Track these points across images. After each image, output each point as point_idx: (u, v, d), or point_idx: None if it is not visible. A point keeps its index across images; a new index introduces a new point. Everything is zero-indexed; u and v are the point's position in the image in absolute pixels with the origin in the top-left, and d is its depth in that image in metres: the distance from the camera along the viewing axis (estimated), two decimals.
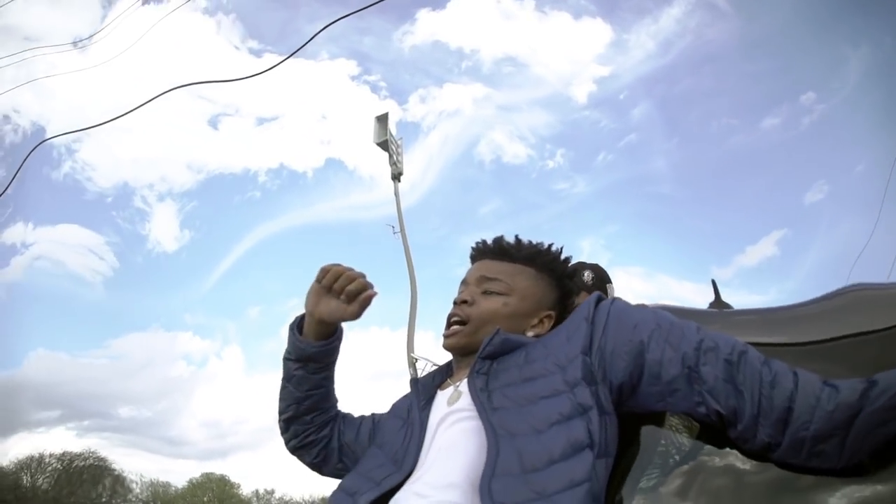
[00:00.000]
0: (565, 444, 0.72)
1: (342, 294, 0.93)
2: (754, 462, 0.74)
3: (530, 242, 1.01)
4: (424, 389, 0.97)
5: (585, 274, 1.55)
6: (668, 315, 0.81)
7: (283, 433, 1.11)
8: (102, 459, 25.43)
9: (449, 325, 0.95)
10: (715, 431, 0.77)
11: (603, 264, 1.72)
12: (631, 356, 0.78)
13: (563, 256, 1.02)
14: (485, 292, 0.94)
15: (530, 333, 0.94)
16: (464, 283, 0.99)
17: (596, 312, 0.84)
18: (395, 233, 9.76)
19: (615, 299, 0.87)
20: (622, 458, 0.82)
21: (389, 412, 1.06)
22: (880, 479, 0.68)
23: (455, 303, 0.96)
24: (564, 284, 1.01)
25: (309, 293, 0.97)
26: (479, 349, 0.89)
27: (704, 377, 0.74)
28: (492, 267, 0.97)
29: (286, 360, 1.04)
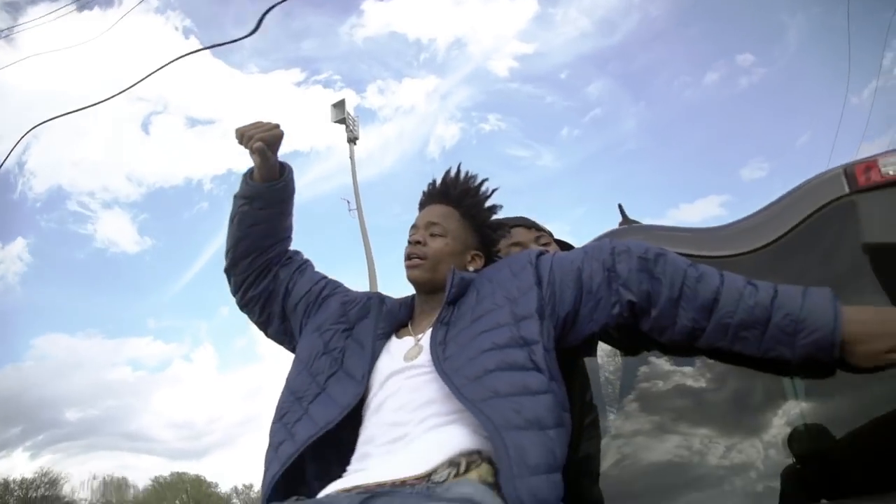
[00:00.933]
0: (499, 362, 0.81)
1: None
2: (705, 381, 0.84)
3: (465, 179, 1.09)
4: (388, 318, 1.02)
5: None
6: (590, 243, 0.94)
7: (230, 288, 1.13)
8: (53, 483, 25.24)
9: (409, 259, 1.03)
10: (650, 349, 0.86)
11: None
12: (573, 282, 0.89)
13: (487, 204, 1.09)
14: (431, 234, 1.04)
15: (471, 268, 1.04)
16: (414, 227, 1.07)
17: (539, 261, 0.94)
18: (350, 209, 9.49)
19: (554, 253, 0.98)
20: (573, 388, 0.88)
21: (337, 299, 1.08)
22: (823, 403, 0.80)
23: (410, 242, 1.05)
24: (484, 233, 1.09)
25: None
26: (440, 287, 0.99)
27: (619, 272, 0.86)
28: (434, 211, 1.07)
29: (234, 198, 1.09)
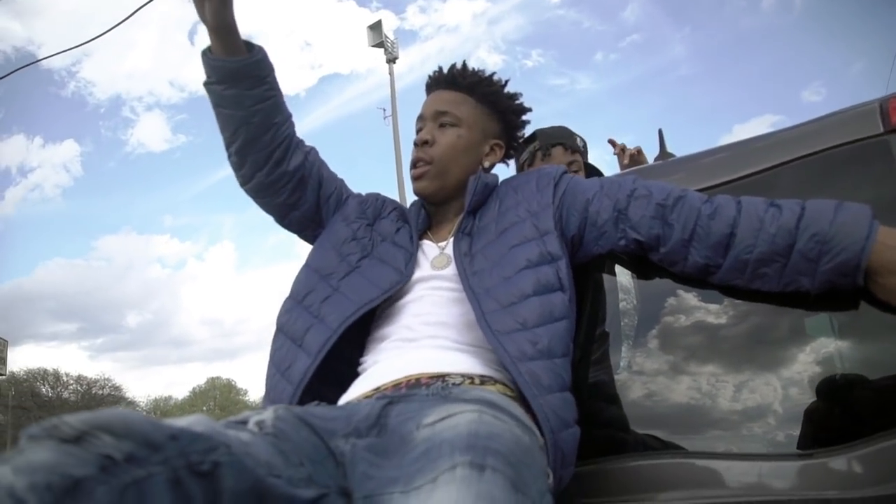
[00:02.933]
0: (535, 284, 0.79)
1: None
2: (724, 316, 0.81)
3: (475, 70, 1.01)
4: (422, 221, 0.96)
5: (579, 139, 1.58)
6: (610, 177, 0.90)
7: (238, 170, 0.96)
8: (117, 388, 27.57)
9: (415, 167, 0.97)
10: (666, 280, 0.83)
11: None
12: (579, 211, 0.87)
13: (506, 90, 1.02)
14: (441, 126, 0.96)
15: (487, 163, 0.99)
16: (421, 118, 1.00)
17: (561, 179, 0.92)
18: (385, 117, 9.64)
19: (574, 175, 0.96)
20: (586, 309, 0.90)
21: (354, 197, 1.02)
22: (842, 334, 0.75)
23: (416, 143, 0.97)
24: (507, 118, 1.02)
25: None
26: (452, 195, 0.95)
27: (630, 216, 0.82)
28: (442, 97, 0.99)
29: (207, 85, 0.92)
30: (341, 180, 1.04)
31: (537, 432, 0.68)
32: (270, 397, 0.82)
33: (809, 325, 0.78)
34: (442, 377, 0.74)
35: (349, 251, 0.91)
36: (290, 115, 0.97)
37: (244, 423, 0.58)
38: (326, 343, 0.80)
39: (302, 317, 0.85)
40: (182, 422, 0.49)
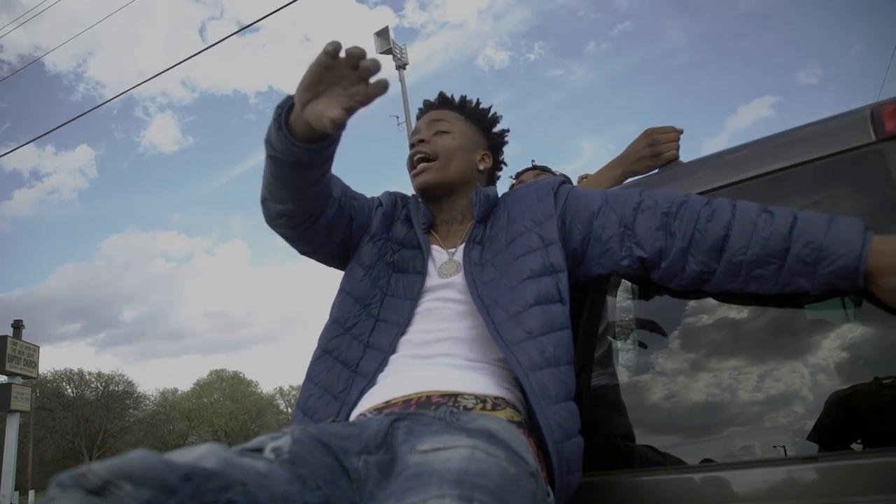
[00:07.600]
0: (536, 293, 0.82)
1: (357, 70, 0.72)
2: (744, 313, 0.80)
3: (463, 96, 1.08)
4: (424, 215, 0.98)
5: (558, 173, 1.66)
6: (615, 190, 0.91)
7: (272, 221, 0.94)
8: (130, 384, 29.21)
9: (413, 163, 0.99)
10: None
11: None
12: (584, 224, 0.88)
13: (489, 112, 1.09)
14: (436, 133, 1.01)
15: (481, 167, 1.04)
16: (416, 131, 1.04)
17: (559, 189, 0.94)
18: (399, 123, 9.57)
19: (573, 186, 0.97)
20: (584, 318, 0.92)
21: (380, 210, 1.02)
22: (866, 320, 0.74)
23: (413, 144, 1.01)
24: (490, 135, 1.08)
25: (309, 74, 0.73)
26: (452, 188, 0.98)
27: (636, 230, 0.83)
28: (435, 114, 1.05)
29: (273, 158, 0.84)
30: (365, 200, 1.02)
31: (530, 458, 0.68)
32: (310, 413, 0.86)
33: (811, 316, 0.78)
34: (454, 397, 0.76)
35: (378, 275, 0.94)
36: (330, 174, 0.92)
37: (260, 450, 0.60)
38: (380, 366, 0.86)
39: (353, 346, 0.89)
40: (193, 454, 0.51)
